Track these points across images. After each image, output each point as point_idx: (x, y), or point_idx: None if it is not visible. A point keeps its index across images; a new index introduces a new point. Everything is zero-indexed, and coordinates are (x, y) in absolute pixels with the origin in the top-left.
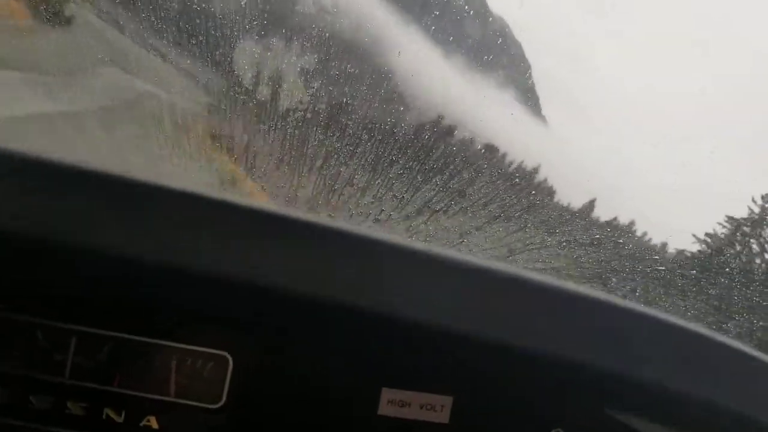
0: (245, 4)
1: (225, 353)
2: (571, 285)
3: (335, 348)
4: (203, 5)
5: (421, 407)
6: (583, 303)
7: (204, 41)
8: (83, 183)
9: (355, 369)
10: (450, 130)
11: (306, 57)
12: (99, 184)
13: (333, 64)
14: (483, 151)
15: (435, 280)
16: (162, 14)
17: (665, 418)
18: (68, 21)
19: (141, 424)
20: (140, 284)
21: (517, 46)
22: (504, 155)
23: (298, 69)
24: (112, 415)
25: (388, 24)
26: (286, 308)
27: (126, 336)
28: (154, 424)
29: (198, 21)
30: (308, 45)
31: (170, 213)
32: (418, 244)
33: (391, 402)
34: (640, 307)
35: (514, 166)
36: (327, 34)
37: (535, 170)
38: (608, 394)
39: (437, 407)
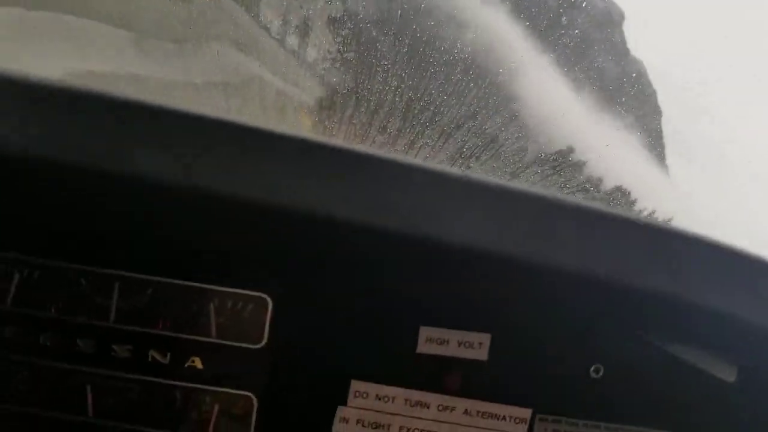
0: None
1: (264, 295)
2: (613, 209)
3: (374, 287)
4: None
5: (459, 344)
6: (625, 226)
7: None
8: (125, 117)
9: (394, 307)
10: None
11: (435, 77)
12: (135, 115)
13: (462, 83)
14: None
15: (475, 210)
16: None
17: (717, 348)
18: None
19: (186, 365)
20: (179, 228)
21: (651, 91)
22: (630, 201)
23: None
24: (158, 356)
25: (519, 48)
26: (322, 247)
27: (167, 280)
28: (199, 365)
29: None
30: (438, 64)
31: (209, 148)
32: (456, 170)
33: (430, 340)
34: (688, 231)
35: (634, 213)
36: (462, 54)
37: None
38: (652, 325)
39: (475, 344)
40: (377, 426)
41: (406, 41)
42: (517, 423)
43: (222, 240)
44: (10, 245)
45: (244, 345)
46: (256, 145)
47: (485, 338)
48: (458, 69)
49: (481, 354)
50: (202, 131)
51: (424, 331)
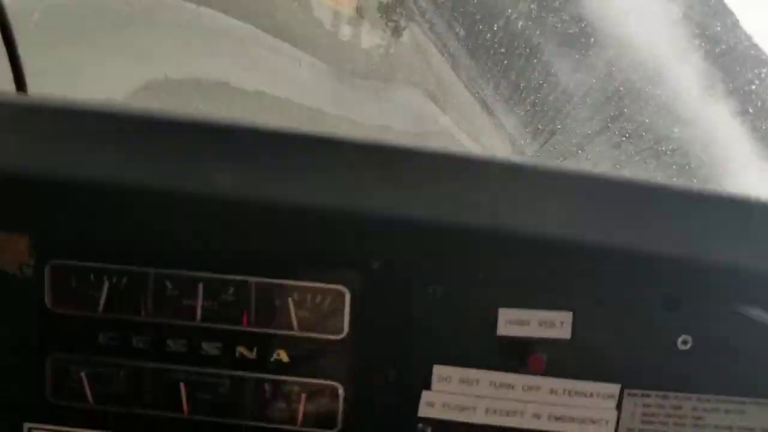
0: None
1: (342, 287)
2: (689, 185)
3: (451, 273)
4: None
5: (540, 324)
6: (709, 200)
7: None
8: (196, 134)
9: (473, 291)
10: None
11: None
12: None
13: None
14: None
15: (545, 192)
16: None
17: None
18: (397, 31)
19: (272, 359)
20: (256, 230)
21: None
22: None
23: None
24: (245, 352)
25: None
26: (396, 236)
27: (248, 278)
28: (284, 357)
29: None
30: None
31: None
32: (526, 159)
33: (510, 322)
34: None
35: None
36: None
37: None
38: (740, 297)
39: (557, 323)
40: (463, 409)
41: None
42: (605, 399)
43: (299, 240)
44: (100, 257)
45: (326, 336)
46: (325, 152)
47: (567, 317)
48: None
49: (564, 333)
50: (274, 144)
51: (504, 313)
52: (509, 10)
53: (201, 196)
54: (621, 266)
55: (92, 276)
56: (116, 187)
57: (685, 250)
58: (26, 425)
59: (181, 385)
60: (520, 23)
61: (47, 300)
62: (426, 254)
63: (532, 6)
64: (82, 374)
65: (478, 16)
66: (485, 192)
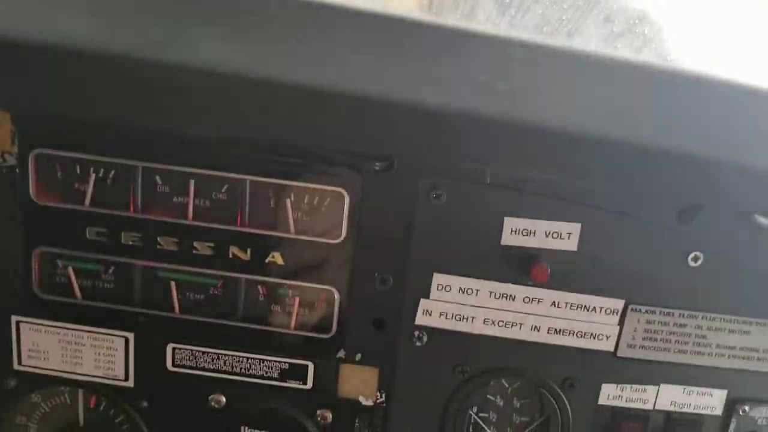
0: None
1: (341, 189)
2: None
3: (457, 177)
4: None
5: (547, 235)
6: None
7: None
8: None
9: (477, 198)
10: None
11: None
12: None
13: None
14: None
15: (570, 81)
16: None
17: None
18: None
19: (266, 261)
20: (254, 126)
21: None
22: None
23: None
24: (238, 253)
25: None
26: (401, 135)
27: (243, 176)
28: (279, 260)
29: None
30: None
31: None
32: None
33: (515, 231)
34: None
35: None
36: None
37: None
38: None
39: (564, 234)
40: (461, 318)
41: None
42: (608, 314)
43: (299, 136)
44: (85, 147)
45: (323, 240)
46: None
47: (575, 228)
48: None
49: (571, 244)
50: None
51: (509, 222)
52: None
53: (190, 71)
54: (635, 176)
55: (78, 167)
56: (99, 56)
57: (705, 156)
58: (14, 318)
59: (172, 284)
60: None
61: (32, 191)
62: (431, 156)
63: None
64: (69, 269)
65: None
66: (501, 79)
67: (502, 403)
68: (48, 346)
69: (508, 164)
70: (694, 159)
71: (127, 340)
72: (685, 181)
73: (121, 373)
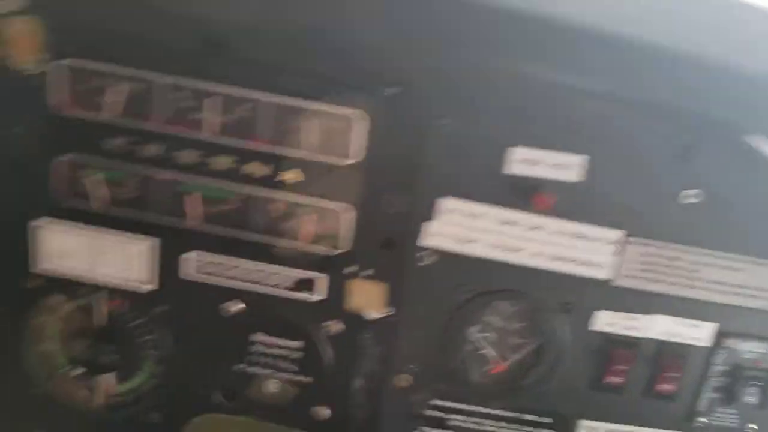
0: None
1: (356, 113)
2: None
3: (467, 105)
4: None
5: (552, 166)
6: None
7: None
8: None
9: (485, 126)
10: None
11: None
12: None
13: None
14: None
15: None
16: None
17: None
18: None
19: (282, 178)
20: (272, 44)
21: None
22: None
23: None
24: (256, 169)
25: None
26: (415, 61)
27: (265, 96)
28: (294, 177)
29: None
30: None
31: None
32: None
33: (521, 161)
34: None
35: None
36: None
37: None
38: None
39: (569, 165)
40: (465, 241)
41: None
42: (606, 244)
43: (318, 59)
44: (112, 58)
45: (336, 160)
46: None
47: (580, 160)
48: None
49: (575, 175)
50: None
51: (516, 152)
52: None
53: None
54: (641, 111)
55: (102, 78)
56: None
57: (712, 62)
58: (37, 221)
59: (191, 195)
60: None
61: (56, 100)
62: (443, 83)
63: None
64: (92, 178)
65: None
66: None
67: (501, 324)
68: (71, 249)
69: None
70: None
71: (149, 246)
72: (676, 125)
73: (142, 277)
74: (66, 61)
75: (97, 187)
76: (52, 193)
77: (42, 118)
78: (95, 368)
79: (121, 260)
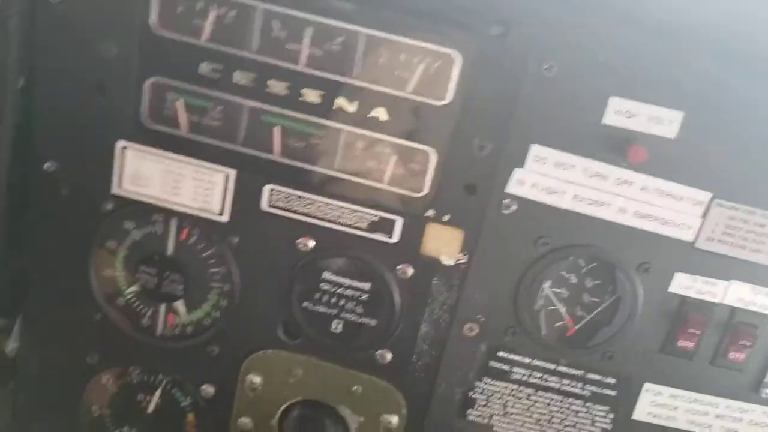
0: None
1: (453, 51)
2: None
3: (570, 50)
4: None
5: (649, 119)
6: None
7: None
8: None
9: (587, 74)
10: None
11: None
12: None
13: None
14: None
15: None
16: None
17: None
18: None
19: (369, 115)
20: None
21: None
22: None
23: None
24: (345, 104)
25: None
26: (523, 7)
27: (358, 28)
28: (383, 115)
29: None
30: None
31: None
32: None
33: (619, 112)
34: None
35: None
36: None
37: None
38: None
39: (666, 120)
40: (552, 192)
41: None
42: (693, 205)
43: None
44: None
45: (428, 100)
46: None
47: (677, 116)
48: None
49: (670, 131)
50: None
51: (614, 102)
52: None
53: None
54: (743, 70)
55: (200, 1)
56: None
57: None
58: (120, 143)
59: (276, 127)
60: None
61: (152, 20)
62: (548, 26)
63: None
64: (179, 102)
65: None
66: None
67: (575, 281)
68: (150, 174)
69: None
70: None
71: (227, 176)
72: None
73: (217, 207)
74: None
75: (182, 112)
76: (139, 115)
77: (137, 38)
78: (159, 297)
79: (197, 189)
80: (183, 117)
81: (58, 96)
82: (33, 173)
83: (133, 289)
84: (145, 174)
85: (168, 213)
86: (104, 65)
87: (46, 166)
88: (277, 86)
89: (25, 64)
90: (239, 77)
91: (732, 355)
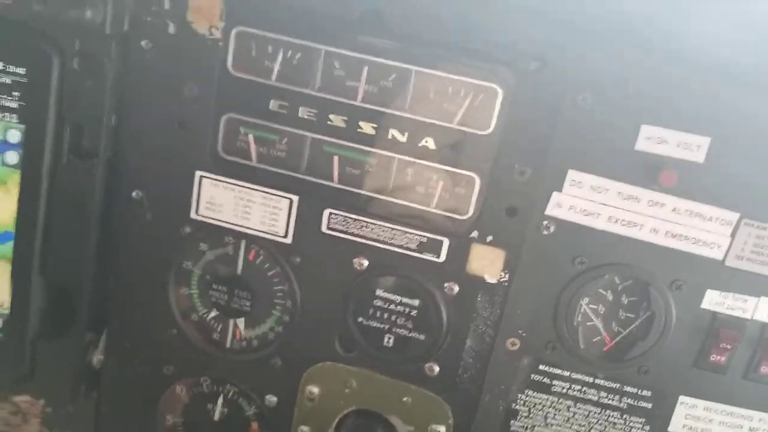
0: None
1: (496, 85)
2: None
3: (604, 82)
4: None
5: (678, 145)
6: None
7: None
8: None
9: (619, 103)
10: None
11: None
12: None
13: None
14: None
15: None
16: None
17: None
18: None
19: (420, 144)
20: (424, 20)
21: None
22: None
23: None
24: (397, 135)
25: None
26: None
27: (409, 67)
28: (432, 145)
29: None
30: None
31: None
32: None
33: (650, 138)
34: None
35: None
36: None
37: None
38: None
39: (693, 146)
40: (587, 213)
41: None
42: (722, 225)
43: (461, 32)
44: (279, 28)
45: (472, 130)
46: None
47: (704, 141)
48: None
49: (699, 156)
50: None
51: (645, 129)
52: None
53: None
54: (761, 98)
55: (270, 46)
56: None
57: None
58: (198, 173)
59: (335, 157)
60: None
61: (229, 63)
62: (582, 60)
63: None
64: (250, 136)
65: None
66: None
67: (611, 298)
68: (223, 200)
69: None
70: None
71: (291, 202)
72: None
73: (282, 230)
74: (241, 29)
75: (252, 144)
76: (215, 148)
77: (216, 79)
78: (228, 313)
79: (264, 214)
80: (253, 149)
81: (145, 132)
82: (121, 201)
83: (205, 306)
84: (219, 201)
85: (238, 235)
86: (186, 104)
87: (134, 194)
88: (336, 120)
89: (117, 104)
90: (303, 112)
91: (764, 369)
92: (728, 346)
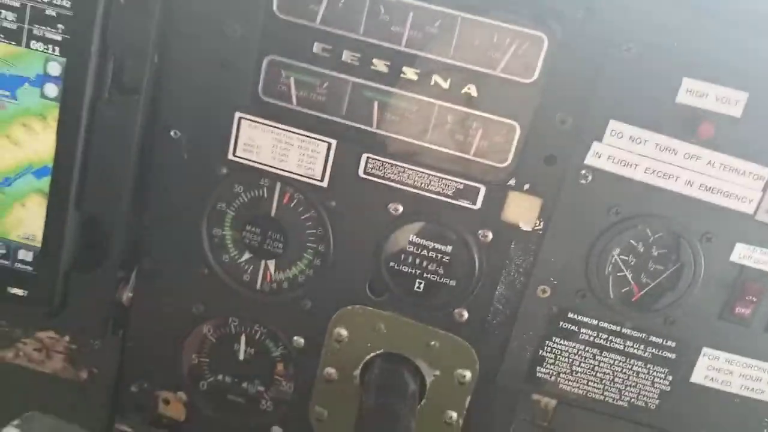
0: None
1: (542, 33)
2: None
3: (649, 34)
4: None
5: (717, 99)
6: None
7: None
8: None
9: (663, 55)
10: None
11: None
12: None
13: None
14: None
15: None
16: None
17: None
18: None
19: (462, 91)
20: None
21: None
22: None
23: None
24: (440, 81)
25: None
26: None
27: (455, 12)
28: (473, 92)
29: None
30: None
31: None
32: None
33: (690, 91)
34: None
35: None
36: None
37: None
38: None
39: (732, 100)
40: (625, 164)
41: None
42: (755, 179)
43: None
44: None
45: (516, 78)
46: None
47: (743, 96)
48: None
49: (736, 111)
50: None
51: (687, 82)
52: None
53: None
54: None
55: None
56: None
57: None
58: (237, 114)
59: (375, 102)
60: None
61: (275, 4)
62: (628, 10)
63: None
64: (292, 78)
65: None
66: None
67: (642, 249)
68: (261, 142)
69: None
70: None
71: (329, 146)
72: None
73: (318, 174)
74: None
75: (293, 87)
76: (256, 90)
77: (260, 20)
78: (259, 254)
79: (302, 157)
80: (293, 92)
81: (186, 71)
82: (159, 139)
83: (238, 247)
84: (257, 142)
85: (274, 178)
86: (229, 44)
87: (172, 133)
88: (379, 64)
89: (160, 40)
90: (347, 56)
91: None
92: (754, 299)
